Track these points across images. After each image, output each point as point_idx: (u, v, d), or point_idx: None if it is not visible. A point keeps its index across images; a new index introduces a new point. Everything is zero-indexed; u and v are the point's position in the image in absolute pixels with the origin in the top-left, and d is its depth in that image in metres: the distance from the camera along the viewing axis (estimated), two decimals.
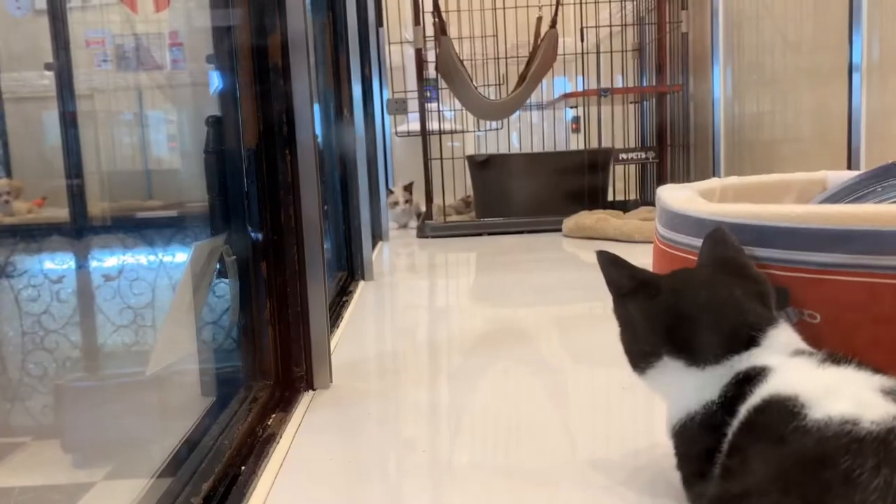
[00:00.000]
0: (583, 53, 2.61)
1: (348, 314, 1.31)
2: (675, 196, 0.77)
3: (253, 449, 0.69)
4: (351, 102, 1.58)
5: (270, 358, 0.85)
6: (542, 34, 2.59)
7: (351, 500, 0.62)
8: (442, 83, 2.62)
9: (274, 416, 0.78)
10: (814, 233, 0.60)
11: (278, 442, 0.71)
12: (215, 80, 0.81)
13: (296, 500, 0.60)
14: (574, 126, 3.38)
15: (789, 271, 0.61)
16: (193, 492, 0.58)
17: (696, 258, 0.70)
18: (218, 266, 0.80)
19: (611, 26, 2.83)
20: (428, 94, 2.69)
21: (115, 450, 1.30)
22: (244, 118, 0.81)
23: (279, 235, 0.83)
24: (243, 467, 0.65)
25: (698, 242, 0.69)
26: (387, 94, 2.88)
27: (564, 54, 2.75)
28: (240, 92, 0.81)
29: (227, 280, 0.80)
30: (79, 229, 2.14)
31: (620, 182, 2.96)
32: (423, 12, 2.58)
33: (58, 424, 1.64)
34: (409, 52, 3.09)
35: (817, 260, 0.60)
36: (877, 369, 0.48)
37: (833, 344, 0.59)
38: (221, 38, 0.84)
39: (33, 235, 2.08)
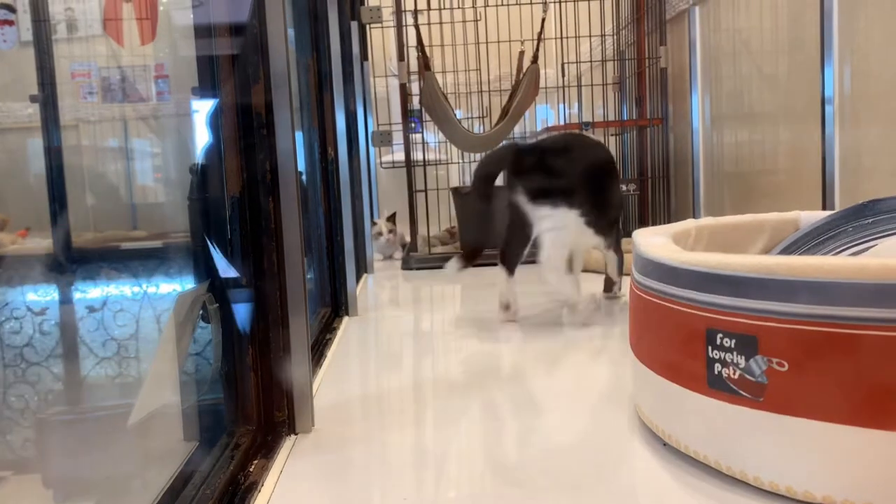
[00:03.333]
0: (565, 87, 2.66)
1: (331, 353, 1.31)
2: (650, 242, 0.79)
3: (234, 498, 0.70)
4: (335, 140, 1.59)
5: (252, 403, 0.85)
6: (525, 69, 2.64)
7: None
8: (426, 116, 2.65)
9: (256, 462, 0.78)
10: (781, 284, 0.62)
11: (260, 490, 0.71)
12: (202, 134, 0.82)
13: None
14: None
15: (758, 320, 0.63)
16: None
17: (671, 305, 0.72)
18: (201, 313, 0.81)
19: (591, 62, 2.88)
20: (412, 125, 2.72)
21: (97, 486, 1.29)
22: (228, 166, 0.83)
23: (262, 281, 0.84)
24: None
25: (673, 290, 0.71)
26: (371, 126, 2.91)
27: (546, 87, 2.80)
28: (224, 141, 0.82)
29: (209, 327, 0.81)
30: (62, 260, 2.14)
31: None
32: (407, 47, 2.62)
33: (39, 459, 1.62)
34: (394, 83, 3.13)
35: (784, 310, 0.61)
36: None
37: (801, 391, 0.61)
38: (206, 85, 0.86)
39: (16, 267, 2.07)
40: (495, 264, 2.51)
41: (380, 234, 2.84)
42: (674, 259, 0.72)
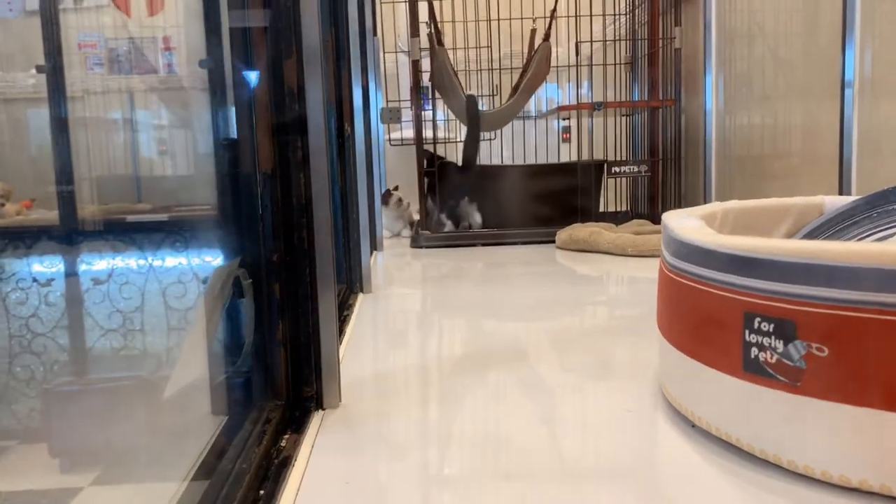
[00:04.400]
0: (577, 66, 2.64)
1: (350, 329, 1.32)
2: (684, 225, 0.79)
3: (269, 472, 0.70)
4: (352, 116, 1.59)
5: (281, 378, 0.86)
6: (536, 46, 2.62)
7: None
8: (436, 93, 2.64)
9: (287, 436, 0.79)
10: (824, 269, 0.62)
11: (293, 465, 0.72)
12: (234, 108, 0.81)
13: None
14: (565, 136, 3.41)
15: (799, 305, 0.63)
16: None
17: (707, 288, 0.72)
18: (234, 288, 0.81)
19: (604, 41, 2.86)
20: (420, 102, 2.71)
21: (103, 455, 1.30)
22: (259, 142, 0.82)
23: (292, 257, 0.84)
24: (262, 491, 0.66)
25: (710, 273, 0.72)
26: (381, 103, 2.90)
27: (558, 66, 2.78)
28: (256, 116, 0.82)
29: (243, 302, 0.81)
30: (68, 232, 2.13)
31: (610, 192, 2.99)
32: (417, 23, 2.60)
33: (45, 428, 1.63)
34: (402, 59, 3.11)
35: (825, 295, 0.62)
36: None
37: (841, 377, 0.61)
38: (239, 59, 0.85)
39: (22, 238, 2.07)
40: (502, 243, 2.52)
41: (400, 200, 2.84)
42: (711, 242, 0.72)
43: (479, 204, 2.65)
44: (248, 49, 0.82)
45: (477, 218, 2.65)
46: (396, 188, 2.92)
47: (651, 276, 1.80)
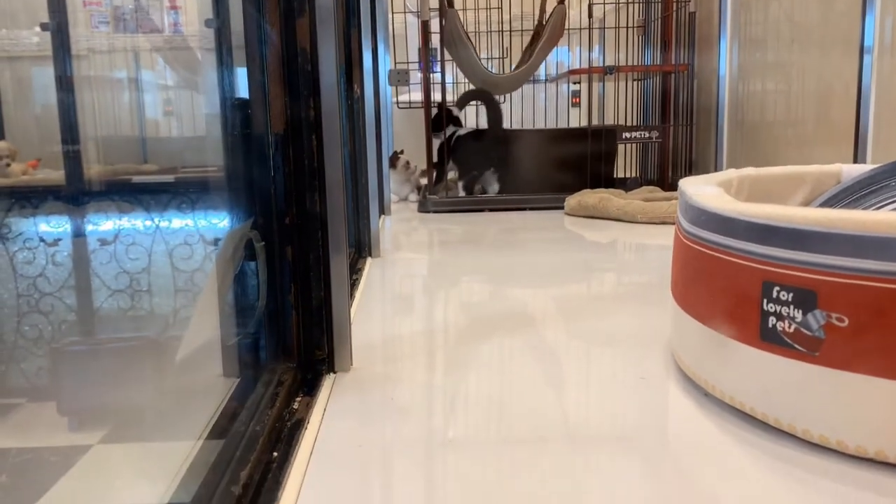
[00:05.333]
0: (589, 28, 2.59)
1: (359, 294, 1.31)
2: (703, 192, 0.78)
3: (282, 434, 0.70)
4: (362, 78, 1.56)
5: (293, 341, 0.85)
6: (550, 10, 2.57)
7: (387, 488, 0.63)
8: (445, 55, 2.60)
9: (299, 399, 0.79)
10: (846, 238, 0.61)
11: (306, 427, 0.72)
12: (245, 69, 0.80)
13: (331, 488, 0.62)
14: (575, 100, 3.37)
15: (819, 274, 0.62)
16: (232, 480, 0.59)
17: (725, 256, 0.71)
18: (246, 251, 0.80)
19: (617, 3, 2.81)
20: (430, 64, 2.67)
21: (112, 414, 1.31)
22: (271, 103, 0.81)
23: (304, 220, 0.83)
24: (275, 453, 0.67)
25: (728, 241, 0.71)
26: (389, 65, 2.86)
27: (569, 29, 2.73)
28: (268, 76, 0.80)
29: (255, 264, 0.81)
30: (74, 192, 2.13)
31: (620, 158, 2.97)
32: None
33: (53, 387, 1.64)
34: (411, 20, 3.06)
35: (848, 265, 0.61)
36: None
37: (861, 347, 0.60)
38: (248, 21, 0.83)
39: (28, 198, 2.06)
40: (511, 209, 2.51)
41: (408, 163, 2.83)
42: (730, 210, 0.70)
43: (497, 172, 2.65)
44: (259, 7, 0.80)
45: (495, 187, 2.65)
46: (402, 152, 2.89)
47: (660, 242, 1.79)
